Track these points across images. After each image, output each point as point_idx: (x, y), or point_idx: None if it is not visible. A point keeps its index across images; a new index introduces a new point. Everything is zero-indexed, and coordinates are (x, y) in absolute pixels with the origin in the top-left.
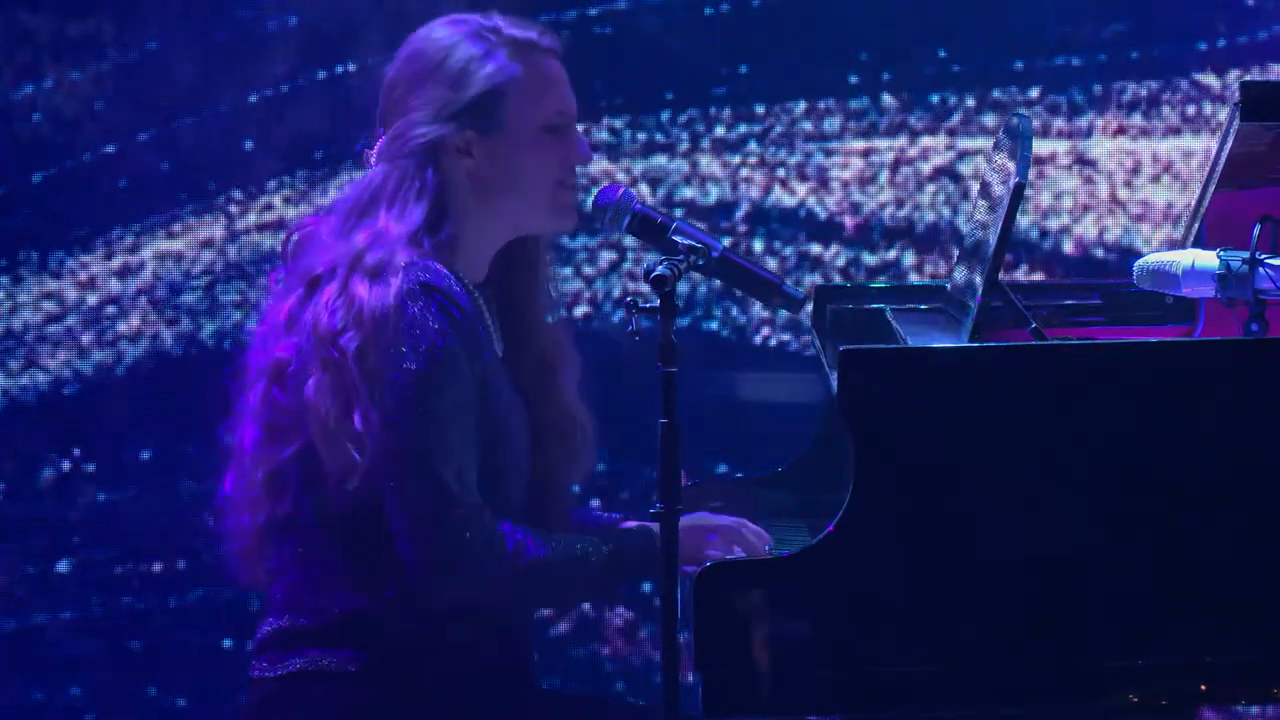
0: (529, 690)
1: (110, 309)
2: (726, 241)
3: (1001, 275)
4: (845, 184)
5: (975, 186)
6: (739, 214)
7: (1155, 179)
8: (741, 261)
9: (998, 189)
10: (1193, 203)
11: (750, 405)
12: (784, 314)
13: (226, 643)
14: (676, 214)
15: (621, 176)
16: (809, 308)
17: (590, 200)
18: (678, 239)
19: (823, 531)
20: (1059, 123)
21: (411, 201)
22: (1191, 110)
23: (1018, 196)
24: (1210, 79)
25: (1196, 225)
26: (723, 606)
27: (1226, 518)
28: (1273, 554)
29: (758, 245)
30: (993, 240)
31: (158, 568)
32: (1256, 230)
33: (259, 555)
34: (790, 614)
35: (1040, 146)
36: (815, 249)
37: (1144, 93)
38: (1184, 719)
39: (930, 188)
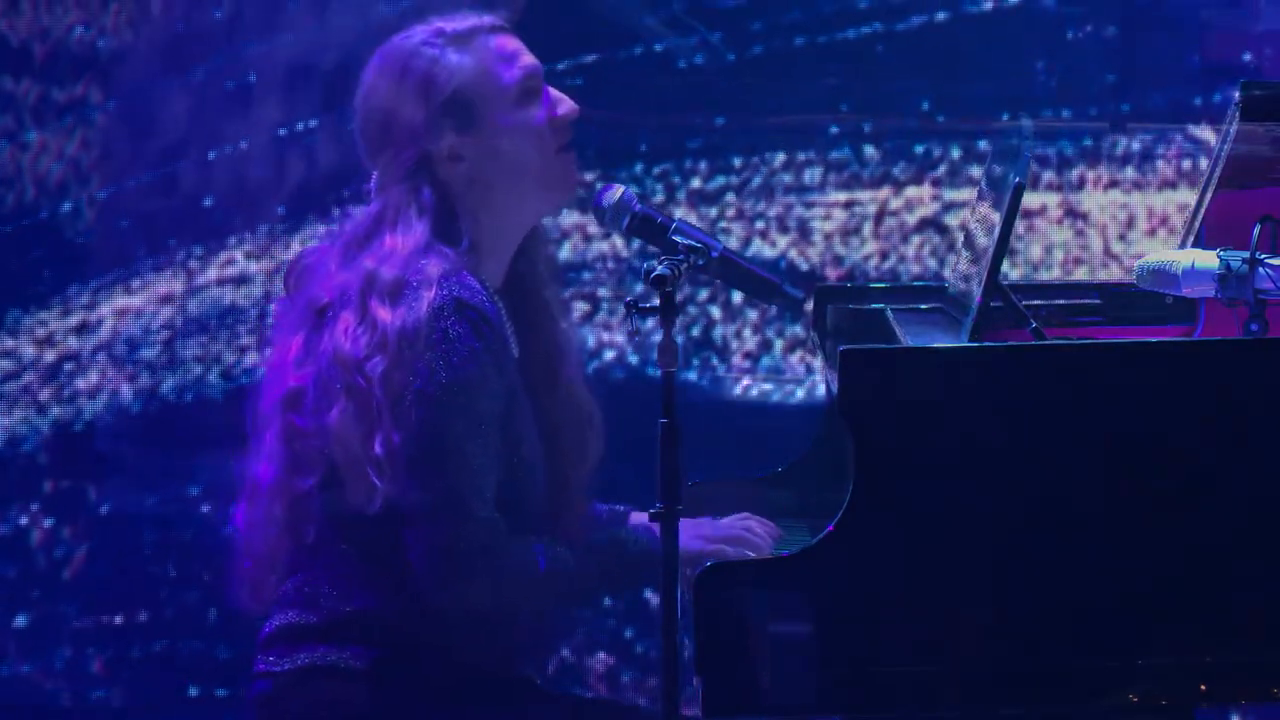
0: (534, 690)
1: (68, 365)
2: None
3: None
4: (827, 236)
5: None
6: None
7: (1151, 233)
8: (742, 262)
9: (982, 240)
10: (1193, 203)
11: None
12: (767, 363)
13: (193, 691)
14: (676, 214)
15: (593, 229)
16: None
17: (591, 201)
18: (678, 239)
19: (823, 531)
20: (1049, 175)
21: (414, 221)
22: (1187, 165)
23: (1017, 196)
24: (1206, 133)
25: (1196, 225)
26: (722, 607)
27: (1226, 518)
28: (1273, 554)
29: (736, 296)
30: (992, 245)
31: (119, 620)
32: (1256, 230)
33: (268, 585)
34: (790, 614)
35: (1030, 199)
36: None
37: (1137, 146)
38: (1184, 719)
39: (916, 239)
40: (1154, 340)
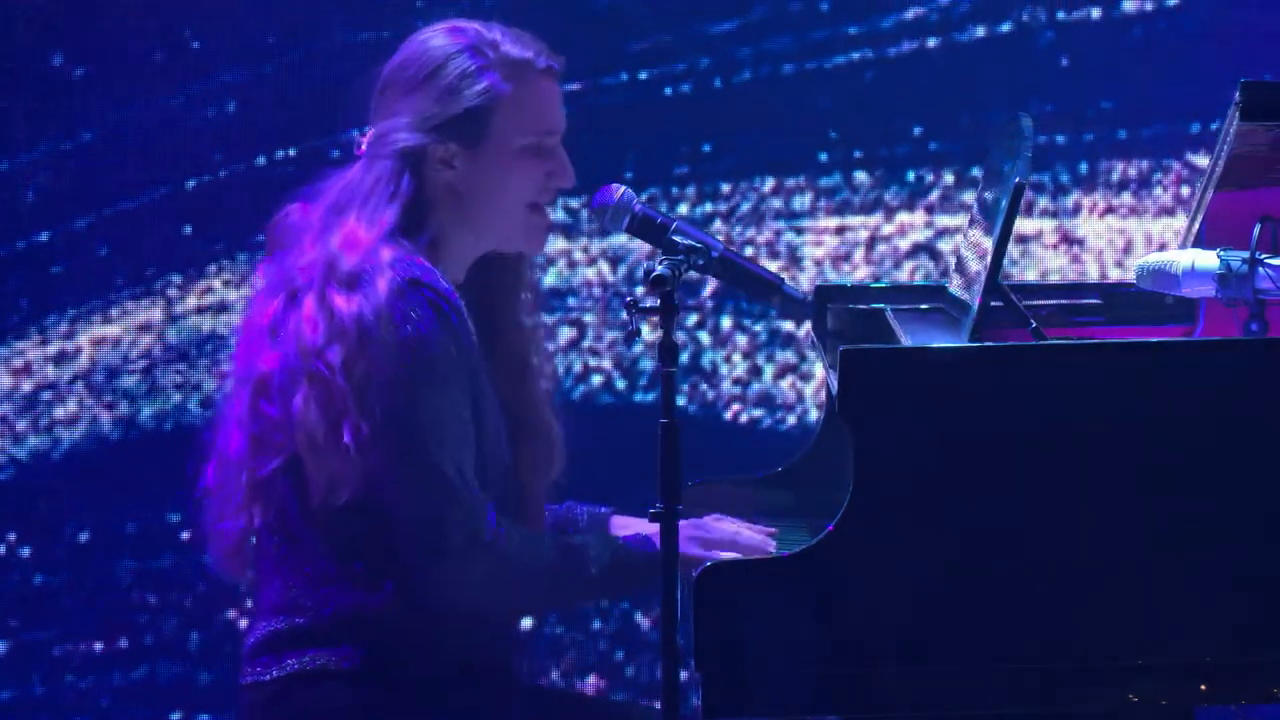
0: (527, 687)
1: (46, 394)
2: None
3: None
4: (818, 262)
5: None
6: (705, 291)
7: None
8: (742, 262)
9: (974, 265)
10: (1193, 203)
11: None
12: (753, 387)
13: (174, 716)
14: (676, 215)
15: (579, 255)
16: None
17: (590, 201)
18: (678, 239)
19: (822, 531)
20: (1044, 201)
21: (383, 204)
22: (1185, 191)
23: (1018, 196)
24: (1203, 160)
25: (1196, 225)
26: (722, 606)
27: (1226, 518)
28: (1273, 554)
29: (726, 321)
30: (992, 243)
31: (99, 647)
32: (1256, 230)
33: (241, 554)
34: (790, 614)
35: (1025, 224)
36: (788, 325)
37: (1133, 172)
38: (1184, 719)
39: (908, 265)
40: (1154, 340)
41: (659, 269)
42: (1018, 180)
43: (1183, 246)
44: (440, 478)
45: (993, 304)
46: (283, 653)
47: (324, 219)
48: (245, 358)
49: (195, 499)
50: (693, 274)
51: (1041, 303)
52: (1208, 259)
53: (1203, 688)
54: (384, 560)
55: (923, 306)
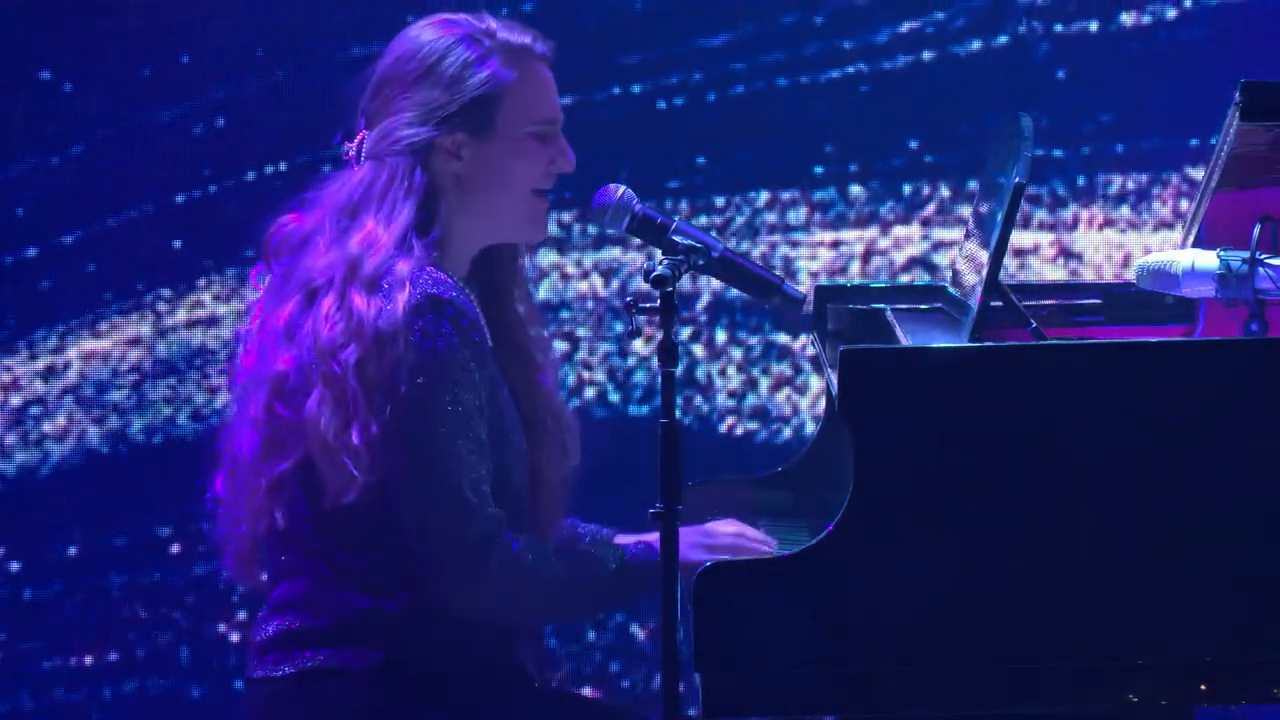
0: (539, 689)
1: (35, 409)
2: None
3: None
4: (814, 274)
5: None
6: (700, 304)
7: None
8: (742, 262)
9: (969, 278)
10: (1193, 204)
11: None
12: (748, 399)
13: None
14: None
15: (572, 269)
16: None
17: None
18: (678, 239)
19: (822, 532)
20: (1041, 214)
21: (400, 202)
22: (1184, 205)
23: (1018, 196)
24: (1202, 174)
25: (1196, 225)
26: (722, 606)
27: (1226, 518)
28: (1273, 554)
29: (720, 335)
30: (991, 244)
31: (89, 660)
32: (1256, 230)
33: (256, 559)
34: (790, 614)
35: (1022, 237)
36: (783, 338)
37: (1131, 185)
38: (1184, 719)
39: (904, 278)
40: (1154, 340)
41: (659, 269)
42: (1018, 180)
43: (1183, 246)
44: (455, 497)
45: (993, 304)
46: (296, 650)
47: (336, 221)
48: (259, 360)
49: (207, 508)
50: (687, 280)
51: (1041, 303)
52: (1208, 259)
53: (1203, 688)
54: (400, 565)
55: (922, 306)
